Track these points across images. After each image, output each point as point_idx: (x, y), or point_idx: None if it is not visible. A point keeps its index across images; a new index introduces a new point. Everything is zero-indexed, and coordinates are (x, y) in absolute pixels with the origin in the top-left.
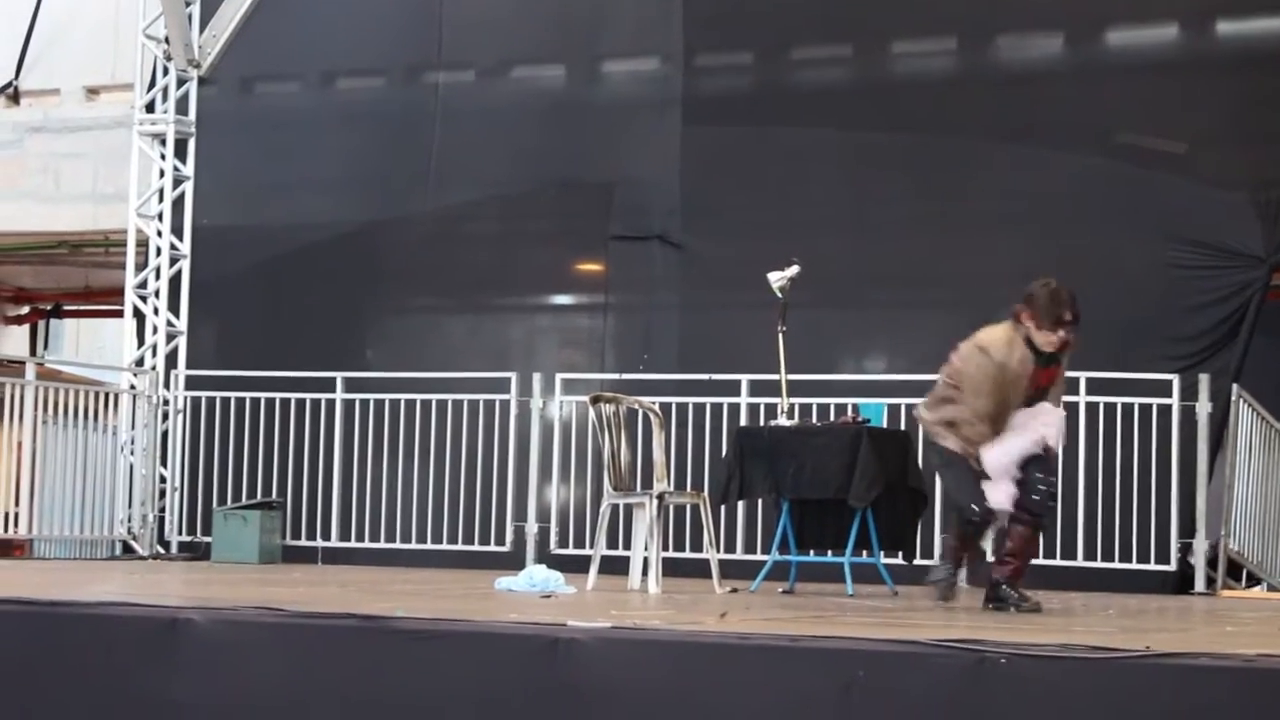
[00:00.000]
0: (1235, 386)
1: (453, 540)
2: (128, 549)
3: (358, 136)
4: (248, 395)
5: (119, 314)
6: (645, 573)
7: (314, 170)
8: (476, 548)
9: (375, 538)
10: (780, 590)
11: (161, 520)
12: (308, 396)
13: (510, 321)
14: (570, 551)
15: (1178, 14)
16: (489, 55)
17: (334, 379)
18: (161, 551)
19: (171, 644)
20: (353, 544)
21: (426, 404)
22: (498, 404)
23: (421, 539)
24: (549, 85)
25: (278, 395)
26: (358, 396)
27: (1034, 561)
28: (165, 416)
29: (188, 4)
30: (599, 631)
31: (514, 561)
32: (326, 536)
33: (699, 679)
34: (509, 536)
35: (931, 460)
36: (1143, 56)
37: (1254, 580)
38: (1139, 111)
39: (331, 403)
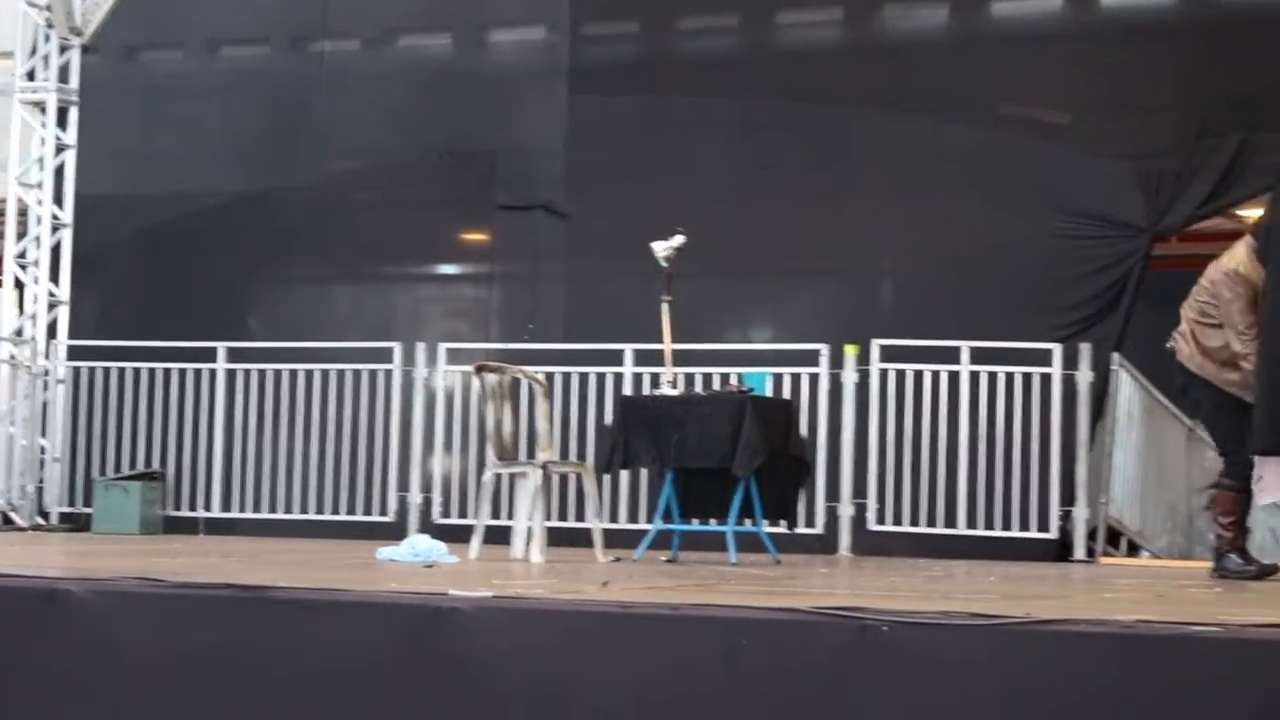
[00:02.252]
0: (1116, 355)
1: (336, 510)
2: (7, 520)
3: (242, 105)
4: (129, 365)
5: None
6: (528, 542)
7: (198, 139)
8: (360, 518)
9: (258, 508)
10: (663, 559)
11: (41, 491)
12: (189, 367)
13: (395, 291)
14: (453, 521)
15: None
16: (375, 24)
17: (216, 349)
18: (41, 522)
19: (50, 616)
20: (235, 514)
21: (310, 374)
22: (381, 374)
23: (304, 509)
24: (435, 54)
25: (159, 365)
26: (240, 367)
27: (916, 530)
28: (46, 387)
29: None
30: (481, 601)
31: (397, 532)
32: (208, 507)
33: (581, 648)
34: (392, 506)
35: (1201, 404)
36: (1027, 27)
37: (1134, 548)
38: (1023, 82)
39: (214, 373)
